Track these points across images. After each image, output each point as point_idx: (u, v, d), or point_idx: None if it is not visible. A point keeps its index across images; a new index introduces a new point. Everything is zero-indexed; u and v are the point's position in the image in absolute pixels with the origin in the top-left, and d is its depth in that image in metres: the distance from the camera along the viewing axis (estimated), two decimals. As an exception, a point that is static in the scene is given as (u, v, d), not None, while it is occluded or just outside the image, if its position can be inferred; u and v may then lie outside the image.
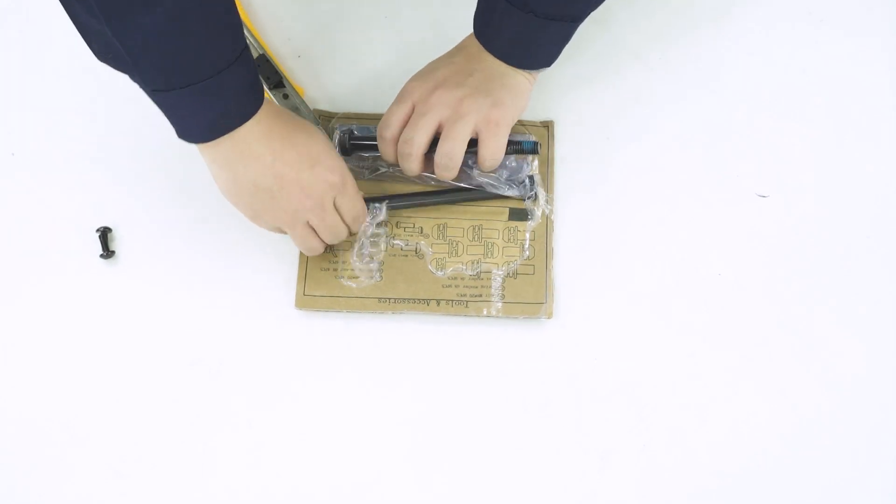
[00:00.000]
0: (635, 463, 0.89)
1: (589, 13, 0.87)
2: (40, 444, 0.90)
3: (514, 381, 0.92)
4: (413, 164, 0.91)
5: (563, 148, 0.98)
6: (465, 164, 0.94)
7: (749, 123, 1.00)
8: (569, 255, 0.95)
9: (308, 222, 0.87)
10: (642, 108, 1.00)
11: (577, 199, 0.97)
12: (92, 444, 0.90)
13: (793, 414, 0.91)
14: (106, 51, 0.77)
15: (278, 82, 0.99)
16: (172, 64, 0.76)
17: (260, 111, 0.82)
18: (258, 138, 0.82)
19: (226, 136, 0.81)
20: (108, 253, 0.95)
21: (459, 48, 0.92)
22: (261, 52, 1.00)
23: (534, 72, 0.91)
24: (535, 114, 0.99)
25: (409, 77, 0.92)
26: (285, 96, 0.99)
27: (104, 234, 0.95)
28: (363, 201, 0.91)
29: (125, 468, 0.90)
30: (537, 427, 0.91)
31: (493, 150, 0.90)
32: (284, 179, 0.83)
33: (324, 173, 0.85)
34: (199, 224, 0.96)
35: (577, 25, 0.88)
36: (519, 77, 0.90)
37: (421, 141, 0.89)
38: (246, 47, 0.80)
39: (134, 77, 0.78)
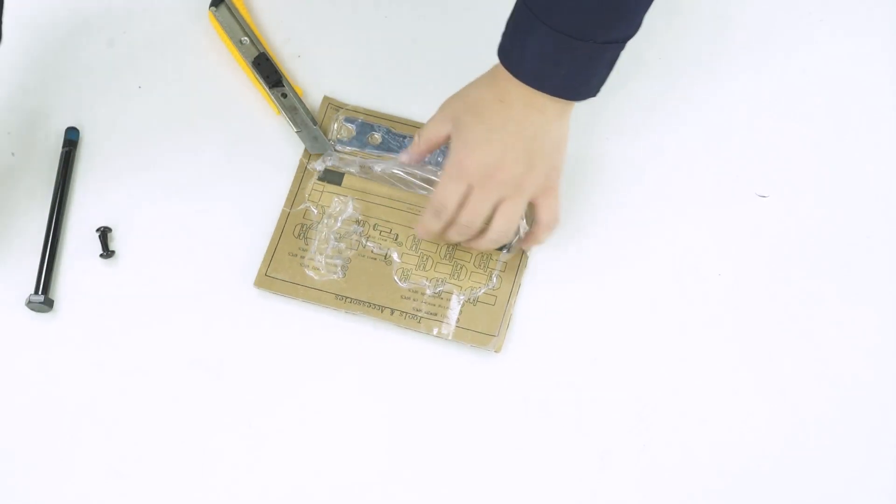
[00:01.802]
0: (635, 463, 0.89)
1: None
2: (40, 444, 0.90)
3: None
4: (458, 240, 0.92)
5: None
6: None
7: (749, 123, 1.00)
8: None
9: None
10: (641, 109, 1.00)
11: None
12: (92, 444, 0.90)
13: (793, 414, 0.91)
14: None
15: (277, 81, 0.99)
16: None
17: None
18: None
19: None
20: (108, 253, 0.95)
21: (505, 103, 0.85)
22: (261, 52, 1.00)
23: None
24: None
25: (458, 149, 0.88)
26: (284, 95, 0.99)
27: (104, 233, 0.95)
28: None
29: (125, 468, 0.90)
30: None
31: (553, 212, 0.90)
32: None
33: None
34: (199, 224, 0.96)
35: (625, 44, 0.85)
36: (563, 120, 0.87)
37: (480, 224, 0.88)
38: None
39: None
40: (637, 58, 1.02)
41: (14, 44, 1.04)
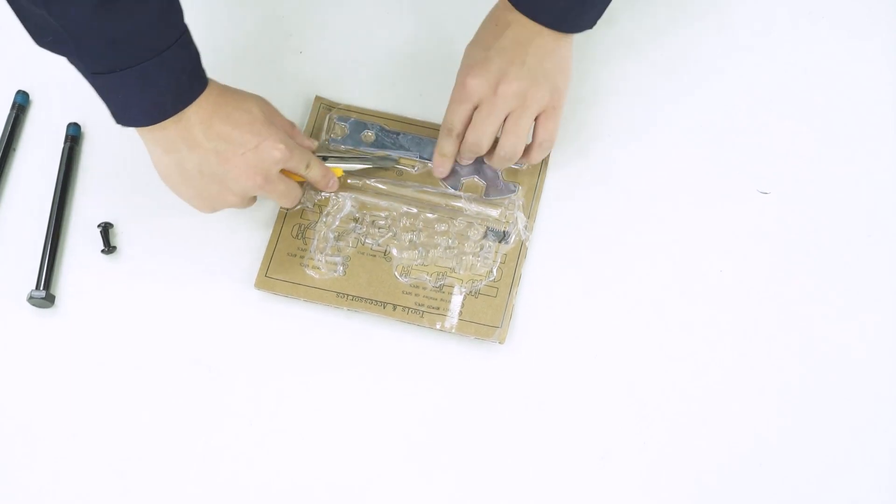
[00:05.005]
0: (635, 463, 0.89)
1: None
2: (40, 441, 0.90)
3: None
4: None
5: (561, 146, 0.98)
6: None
7: (750, 121, 1.00)
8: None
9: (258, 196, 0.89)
10: (643, 106, 1.01)
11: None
12: (92, 442, 0.90)
13: (794, 412, 0.91)
14: (44, 34, 0.78)
15: None
16: (113, 45, 0.77)
17: (203, 93, 0.83)
18: (201, 121, 0.83)
19: (168, 121, 0.82)
20: (109, 248, 0.95)
21: (501, 27, 0.89)
22: None
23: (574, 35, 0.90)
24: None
25: (461, 74, 0.91)
26: None
27: (106, 229, 0.95)
28: (314, 158, 0.91)
29: (125, 466, 0.89)
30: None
31: (551, 132, 0.92)
32: (230, 163, 0.84)
33: (269, 150, 0.86)
34: (198, 221, 0.96)
35: None
36: (563, 46, 0.89)
37: (488, 143, 0.91)
38: (186, 31, 0.81)
39: (73, 60, 0.79)
40: (640, 55, 1.03)
41: (15, 41, 1.04)
